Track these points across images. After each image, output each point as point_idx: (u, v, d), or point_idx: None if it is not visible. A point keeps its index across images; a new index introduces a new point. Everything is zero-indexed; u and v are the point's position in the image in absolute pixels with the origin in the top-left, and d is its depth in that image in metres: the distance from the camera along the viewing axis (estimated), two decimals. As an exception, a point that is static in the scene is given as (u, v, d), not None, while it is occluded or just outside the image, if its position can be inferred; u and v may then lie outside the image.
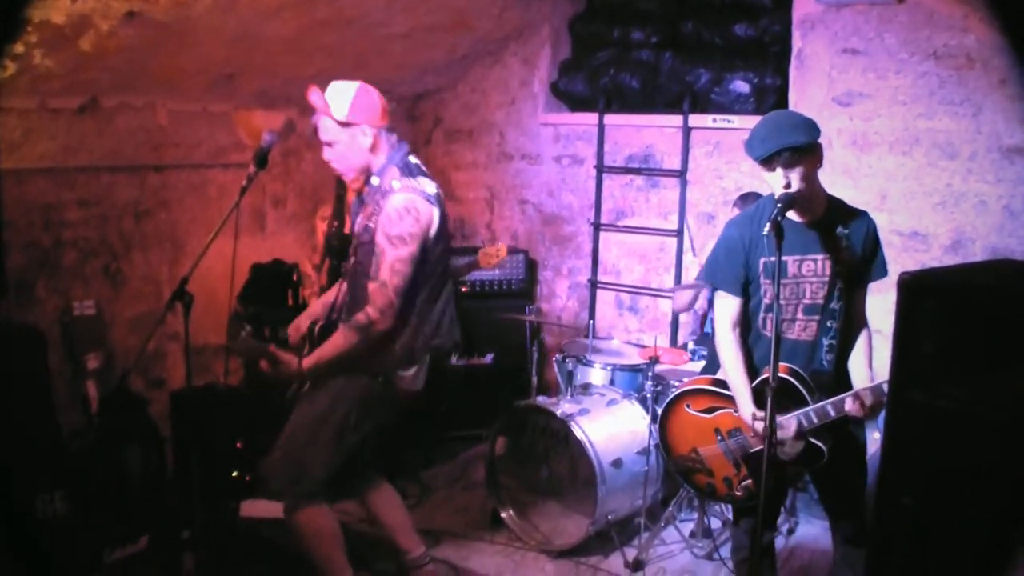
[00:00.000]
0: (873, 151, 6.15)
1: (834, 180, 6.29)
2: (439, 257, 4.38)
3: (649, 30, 7.23)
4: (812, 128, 3.97)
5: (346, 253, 4.64)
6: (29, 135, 5.27)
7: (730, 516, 5.54)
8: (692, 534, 5.65)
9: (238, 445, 5.86)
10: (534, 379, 6.05)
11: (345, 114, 4.21)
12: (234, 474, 5.82)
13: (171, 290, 4.20)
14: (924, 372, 3.26)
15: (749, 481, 4.29)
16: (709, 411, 4.42)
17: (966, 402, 3.11)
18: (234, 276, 4.67)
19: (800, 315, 4.14)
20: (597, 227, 7.57)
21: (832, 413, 3.93)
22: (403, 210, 4.16)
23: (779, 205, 3.82)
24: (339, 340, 4.22)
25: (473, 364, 7.32)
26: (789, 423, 4.00)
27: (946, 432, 3.17)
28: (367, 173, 4.35)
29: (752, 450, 4.25)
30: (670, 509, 5.57)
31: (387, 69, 6.93)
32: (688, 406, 4.51)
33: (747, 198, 6.03)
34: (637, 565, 5.34)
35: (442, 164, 8.35)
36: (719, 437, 4.37)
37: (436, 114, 8.37)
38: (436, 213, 4.27)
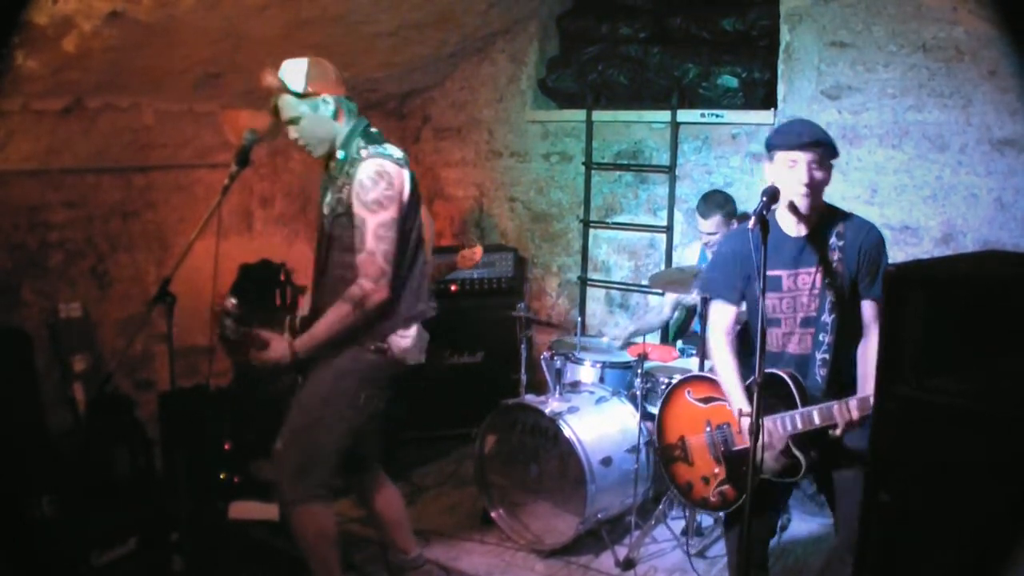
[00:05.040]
0: (863, 144, 6.13)
1: (823, 174, 6.28)
2: (412, 224, 4.35)
3: (637, 25, 7.21)
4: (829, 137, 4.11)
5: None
6: (12, 136, 5.23)
7: (722, 515, 5.55)
8: (683, 532, 5.63)
9: (226, 447, 5.84)
10: (523, 377, 6.02)
11: (304, 86, 4.18)
12: (222, 475, 5.81)
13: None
14: (912, 365, 3.24)
15: (727, 487, 4.35)
16: (706, 400, 4.50)
17: (955, 395, 3.08)
18: (217, 276, 4.64)
19: (797, 328, 4.17)
20: (586, 224, 7.55)
21: (817, 420, 3.93)
22: (376, 175, 4.12)
23: (764, 198, 3.80)
24: (332, 317, 4.16)
25: (463, 362, 7.30)
26: (774, 425, 4.01)
27: (934, 426, 3.14)
28: (333, 146, 4.32)
29: (735, 448, 4.30)
30: (661, 507, 5.55)
31: (374, 67, 6.90)
32: (688, 392, 4.61)
33: (707, 199, 6.04)
34: (628, 564, 5.33)
35: (431, 162, 8.34)
36: (707, 427, 4.45)
37: (424, 112, 8.34)
38: (407, 176, 4.25)
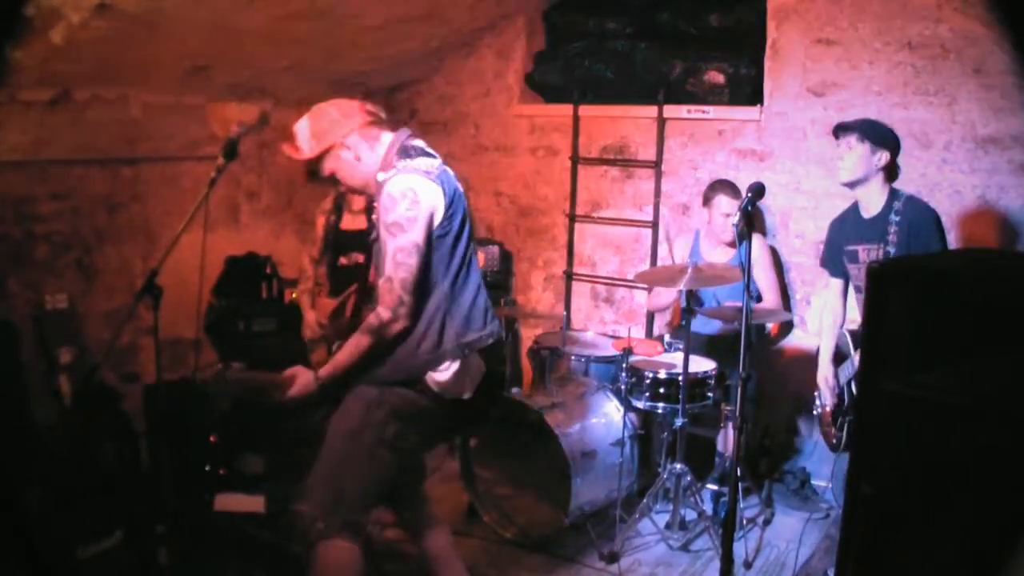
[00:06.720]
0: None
1: (809, 171, 6.34)
2: (457, 242, 4.00)
3: (624, 20, 7.22)
4: (883, 132, 4.93)
5: (343, 248, 4.48)
6: (-1, 128, 5.24)
7: (705, 509, 5.57)
8: (667, 526, 5.65)
9: (212, 439, 5.84)
10: (508, 371, 6.03)
11: (311, 148, 4.00)
12: (207, 468, 5.81)
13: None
14: (895, 360, 3.26)
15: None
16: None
17: (937, 390, 3.10)
18: (204, 269, 4.61)
19: None
20: (572, 218, 7.57)
21: (850, 371, 5.06)
22: (398, 195, 3.81)
23: (749, 194, 4.04)
24: (352, 344, 3.90)
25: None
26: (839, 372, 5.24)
27: (917, 421, 3.16)
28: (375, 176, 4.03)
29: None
30: (645, 501, 5.55)
31: (361, 61, 6.90)
32: None
33: (714, 187, 6.10)
34: (612, 557, 5.34)
35: (417, 156, 8.31)
36: None
37: (411, 106, 8.33)
38: (438, 191, 3.88)
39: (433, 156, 4.07)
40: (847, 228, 5.14)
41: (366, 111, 4.08)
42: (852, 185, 4.95)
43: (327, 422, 4.13)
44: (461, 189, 4.09)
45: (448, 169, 4.08)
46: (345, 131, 3.99)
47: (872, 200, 4.95)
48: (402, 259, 3.81)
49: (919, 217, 4.78)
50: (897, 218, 4.79)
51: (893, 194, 4.92)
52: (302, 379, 3.99)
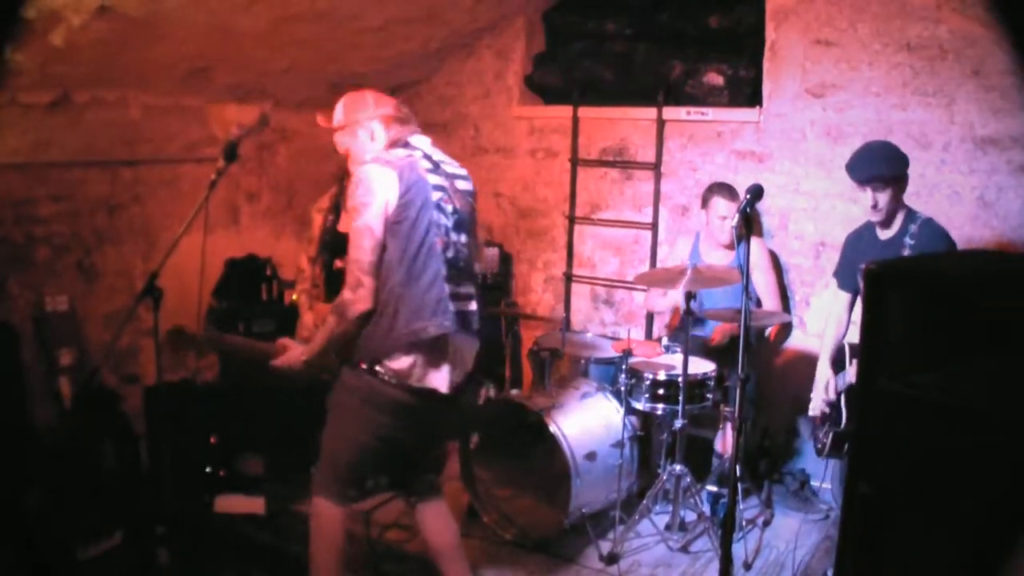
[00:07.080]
0: (847, 142, 6.15)
1: (808, 172, 6.34)
2: (413, 230, 4.07)
3: (623, 21, 7.21)
4: (902, 162, 4.92)
5: (340, 249, 4.55)
6: (-1, 130, 5.24)
7: (705, 510, 5.57)
8: (667, 527, 5.66)
9: (212, 440, 5.84)
10: (508, 373, 6.03)
11: (339, 119, 4.32)
12: (208, 469, 5.82)
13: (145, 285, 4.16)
14: (893, 361, 3.26)
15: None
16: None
17: (935, 391, 3.11)
18: (204, 270, 4.63)
19: None
20: (572, 220, 7.56)
21: (844, 381, 5.14)
22: (356, 181, 4.08)
23: (748, 196, 4.05)
24: (327, 323, 4.13)
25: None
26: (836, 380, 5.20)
27: (917, 421, 3.17)
28: None
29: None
30: (645, 502, 5.56)
31: (360, 62, 6.90)
32: None
33: (712, 189, 6.12)
34: (612, 558, 5.34)
35: (417, 157, 8.31)
36: None
37: (411, 107, 8.26)
38: (394, 180, 4.02)
39: (411, 148, 4.28)
40: (863, 246, 5.16)
41: (397, 108, 4.37)
42: (886, 222, 5.05)
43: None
44: (432, 181, 4.21)
45: (420, 163, 4.21)
46: (369, 115, 4.27)
47: (891, 222, 5.05)
48: (356, 240, 4.02)
49: (934, 240, 4.86)
50: (912, 241, 4.89)
51: (910, 216, 5.00)
52: (291, 352, 4.31)
